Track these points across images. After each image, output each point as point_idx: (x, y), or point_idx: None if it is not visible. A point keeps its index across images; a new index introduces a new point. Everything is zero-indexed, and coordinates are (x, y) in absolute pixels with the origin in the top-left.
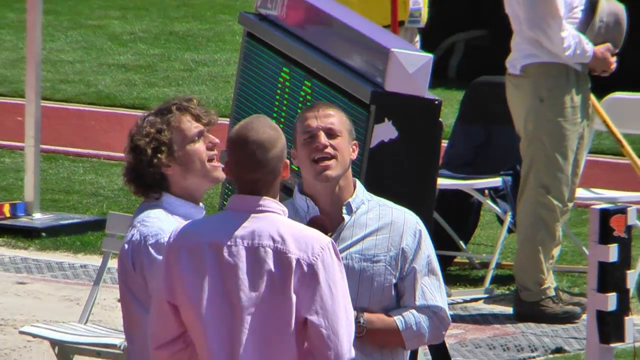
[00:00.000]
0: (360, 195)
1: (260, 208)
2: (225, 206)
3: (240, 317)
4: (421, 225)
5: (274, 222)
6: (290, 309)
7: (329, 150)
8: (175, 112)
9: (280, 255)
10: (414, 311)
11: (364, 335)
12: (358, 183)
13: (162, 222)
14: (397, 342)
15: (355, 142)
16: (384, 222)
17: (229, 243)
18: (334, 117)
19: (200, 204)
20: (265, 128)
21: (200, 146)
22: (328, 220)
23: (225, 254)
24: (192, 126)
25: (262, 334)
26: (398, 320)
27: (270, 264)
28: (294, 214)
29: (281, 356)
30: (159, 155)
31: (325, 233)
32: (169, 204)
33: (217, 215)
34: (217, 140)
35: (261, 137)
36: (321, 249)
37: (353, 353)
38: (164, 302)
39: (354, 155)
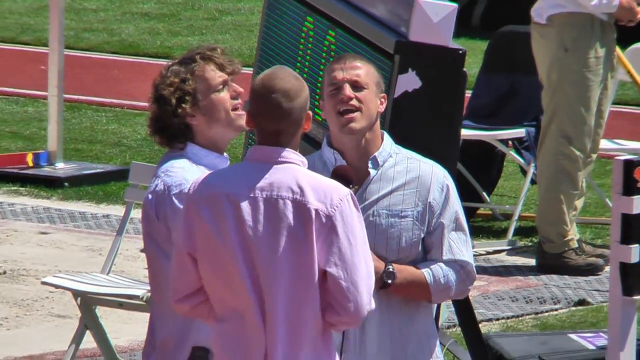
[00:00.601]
0: (388, 149)
1: (280, 159)
2: (246, 157)
3: (260, 269)
4: (449, 180)
5: (292, 173)
6: (312, 259)
7: (354, 102)
8: (199, 61)
9: (299, 207)
10: (442, 264)
11: (393, 286)
12: (386, 136)
13: (186, 172)
14: (424, 295)
15: (383, 94)
16: (412, 176)
17: (247, 194)
18: (361, 69)
19: (225, 153)
20: (289, 78)
21: (224, 95)
22: (352, 171)
23: (244, 206)
24: (216, 75)
25: (285, 285)
26: (426, 272)
27: (289, 215)
28: (322, 167)
29: (305, 307)
30: (184, 105)
31: (349, 184)
32: (194, 154)
33: (235, 166)
34: (241, 89)
35: (285, 87)
36: (340, 200)
37: (373, 304)
38: (185, 254)
39: (382, 108)
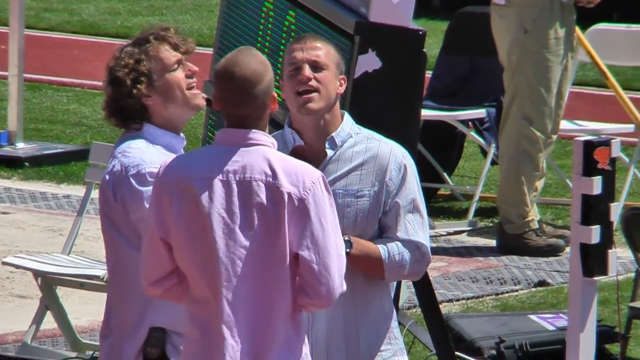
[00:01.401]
0: (347, 129)
1: (250, 141)
2: (214, 140)
3: (233, 252)
4: (408, 160)
5: (264, 155)
6: (284, 243)
7: (313, 83)
8: (153, 41)
9: (272, 189)
10: (398, 243)
11: (348, 256)
12: (346, 116)
13: (143, 153)
14: (378, 270)
15: (343, 76)
16: (370, 155)
17: (220, 178)
18: (321, 50)
19: (181, 134)
20: (252, 62)
21: (179, 74)
22: (310, 152)
23: (217, 189)
24: (170, 55)
25: (257, 268)
26: (382, 248)
27: (262, 197)
28: (283, 146)
29: (277, 291)
30: (139, 86)
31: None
32: (150, 134)
33: (205, 149)
34: (195, 68)
35: (248, 72)
36: (312, 183)
37: (344, 287)
38: (157, 239)
39: (341, 90)
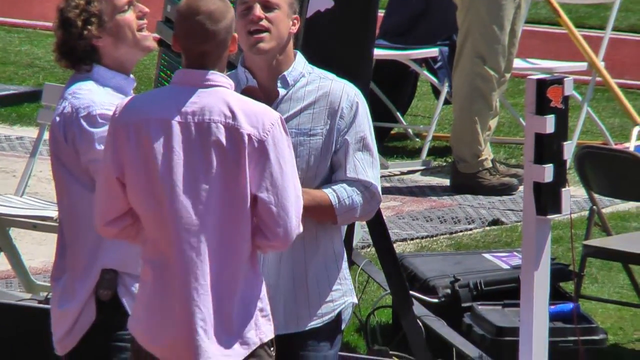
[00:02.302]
0: (299, 68)
1: (209, 82)
2: (171, 80)
3: (192, 194)
4: (360, 98)
5: (223, 96)
6: (244, 184)
7: (264, 23)
8: None
9: (232, 130)
10: (345, 185)
11: None
12: (298, 56)
13: (93, 94)
14: (329, 216)
15: (296, 16)
16: (322, 94)
17: (178, 119)
18: None
19: (131, 75)
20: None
21: (130, 16)
22: (260, 92)
23: (175, 130)
24: None
25: (218, 210)
26: (330, 194)
27: (222, 139)
28: (236, 85)
29: (238, 232)
30: (89, 27)
31: None
32: (100, 76)
33: (163, 89)
34: (146, 9)
35: (211, 8)
36: (271, 124)
37: (301, 229)
38: (112, 179)
39: (294, 29)
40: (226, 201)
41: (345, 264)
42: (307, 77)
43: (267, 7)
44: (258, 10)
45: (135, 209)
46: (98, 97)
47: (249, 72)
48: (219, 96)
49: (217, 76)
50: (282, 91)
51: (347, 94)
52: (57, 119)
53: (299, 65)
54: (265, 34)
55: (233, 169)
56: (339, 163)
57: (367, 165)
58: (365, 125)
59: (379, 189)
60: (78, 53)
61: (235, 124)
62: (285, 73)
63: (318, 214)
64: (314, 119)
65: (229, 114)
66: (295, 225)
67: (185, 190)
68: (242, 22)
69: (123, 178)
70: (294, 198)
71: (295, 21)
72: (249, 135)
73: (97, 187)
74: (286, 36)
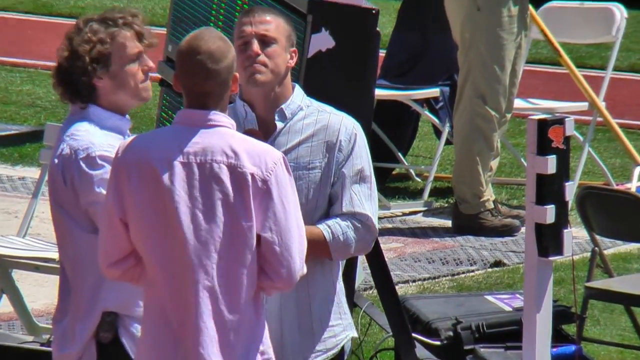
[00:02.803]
0: (297, 101)
1: (211, 122)
2: (174, 120)
3: (195, 235)
4: (358, 130)
5: (225, 136)
6: (250, 224)
7: (262, 58)
8: (120, 26)
9: (235, 171)
10: (339, 221)
11: None
12: (297, 88)
13: (92, 136)
14: (324, 252)
15: (294, 49)
16: (320, 127)
17: (180, 159)
18: (270, 24)
19: (127, 115)
20: (215, 39)
21: (136, 67)
22: (261, 135)
23: (177, 170)
24: (133, 45)
25: (222, 251)
26: (325, 231)
27: (225, 179)
28: (234, 118)
29: (241, 273)
30: (95, 66)
31: None
32: (96, 116)
33: (165, 129)
34: (152, 65)
35: (211, 48)
36: (274, 163)
37: (305, 269)
38: (115, 219)
39: (292, 63)
40: (230, 242)
41: (344, 298)
42: (305, 110)
43: (265, 42)
44: (255, 46)
45: (138, 250)
46: (97, 139)
47: (247, 105)
48: (221, 136)
49: (219, 116)
50: (279, 124)
51: (346, 126)
52: (56, 160)
53: (297, 98)
54: (262, 68)
55: (237, 209)
56: (336, 196)
57: (364, 198)
58: (363, 157)
59: (375, 222)
60: (77, 87)
61: (238, 164)
62: (283, 106)
63: (313, 251)
64: (312, 152)
65: (231, 153)
66: (299, 265)
67: (188, 231)
68: (240, 57)
69: (126, 218)
70: (297, 238)
71: (293, 54)
72: (252, 174)
73: (100, 228)
74: (284, 69)
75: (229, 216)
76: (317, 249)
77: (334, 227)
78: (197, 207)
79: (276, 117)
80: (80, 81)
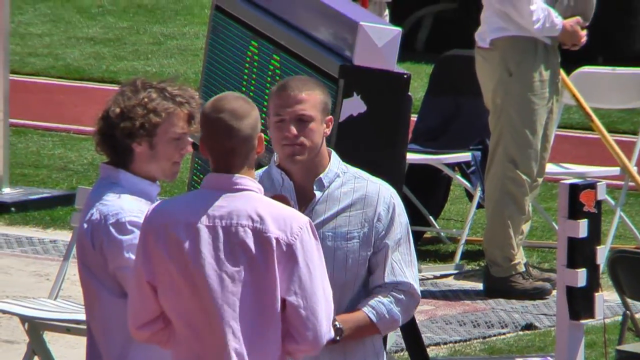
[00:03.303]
0: (334, 169)
1: (237, 187)
2: (201, 185)
3: (221, 299)
4: (395, 199)
5: (251, 200)
6: (274, 288)
7: (299, 140)
8: (178, 104)
9: (260, 235)
10: (381, 298)
11: (342, 340)
12: (333, 155)
13: (122, 201)
14: (373, 332)
15: (329, 117)
16: (358, 196)
17: (206, 223)
18: (306, 103)
19: (157, 182)
20: (238, 99)
21: (175, 148)
22: (290, 202)
23: (203, 235)
24: (181, 126)
25: (247, 315)
26: (370, 313)
27: (250, 243)
28: (270, 185)
29: (267, 337)
30: (141, 132)
31: None
32: (127, 181)
33: (192, 193)
34: (190, 150)
35: (233, 106)
36: (299, 228)
37: (332, 333)
38: (144, 282)
39: (328, 131)
40: (255, 305)
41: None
42: (342, 177)
43: (302, 121)
44: (292, 129)
45: (166, 313)
46: (127, 204)
47: (284, 173)
48: (247, 200)
49: (245, 180)
50: (317, 194)
51: (384, 196)
52: (85, 225)
53: (334, 166)
54: (300, 148)
55: (261, 273)
56: (376, 265)
57: (404, 265)
58: (402, 225)
59: (417, 288)
60: (118, 145)
61: (263, 228)
62: (321, 176)
63: (361, 334)
64: (350, 222)
65: (256, 218)
66: (326, 329)
67: (214, 295)
68: (277, 133)
69: (154, 282)
70: (323, 302)
71: (329, 122)
72: (277, 239)
73: (129, 290)
74: (321, 142)
75: (253, 280)
76: (366, 331)
77: (378, 308)
78: (223, 270)
79: (315, 187)
80: (122, 141)
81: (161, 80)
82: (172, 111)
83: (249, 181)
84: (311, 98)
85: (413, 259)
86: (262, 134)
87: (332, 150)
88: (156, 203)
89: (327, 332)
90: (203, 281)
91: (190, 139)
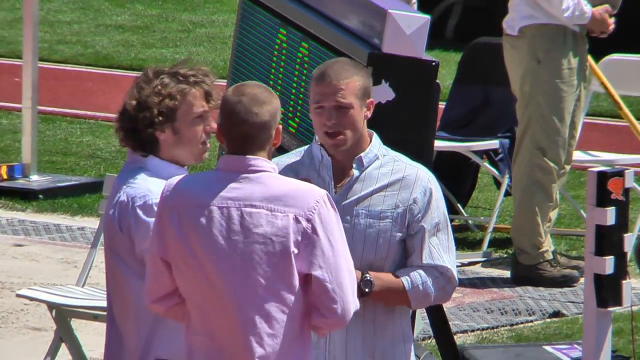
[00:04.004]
0: (375, 150)
1: (252, 168)
2: (216, 166)
3: (234, 279)
4: (433, 183)
5: (265, 181)
6: (290, 266)
7: (339, 129)
8: (191, 84)
9: (275, 215)
10: (420, 271)
11: (371, 294)
12: (375, 137)
13: (149, 184)
14: (403, 301)
15: (371, 100)
16: (395, 178)
17: (219, 204)
18: (344, 91)
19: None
20: (259, 87)
21: (199, 127)
22: (311, 181)
23: (216, 216)
24: (200, 104)
25: (262, 294)
26: (404, 280)
27: (263, 224)
28: (309, 161)
29: (284, 318)
30: (161, 119)
31: None
32: (154, 166)
33: (207, 174)
34: (214, 127)
35: (254, 92)
36: (316, 202)
37: (358, 304)
38: (157, 258)
39: (369, 114)
40: (270, 286)
41: (412, 348)
42: (381, 160)
43: (341, 108)
44: (332, 116)
45: (180, 290)
46: (154, 187)
47: (324, 150)
48: (262, 181)
49: (260, 161)
50: (356, 172)
51: (421, 178)
52: (112, 210)
53: (375, 148)
54: (340, 136)
55: (276, 253)
56: (413, 248)
57: (442, 250)
58: (440, 209)
59: (455, 273)
60: (141, 137)
61: (278, 208)
62: (362, 155)
63: (392, 299)
64: (385, 202)
65: (272, 198)
66: (352, 300)
67: (228, 275)
68: (318, 118)
69: (167, 258)
70: (347, 273)
71: (370, 105)
72: (294, 216)
73: (146, 265)
74: (361, 125)
75: (268, 261)
76: (397, 297)
77: (414, 277)
78: (237, 250)
79: (354, 166)
80: (144, 131)
81: (173, 64)
82: (187, 92)
83: (263, 162)
84: (349, 86)
85: (451, 245)
86: (280, 127)
87: (374, 133)
88: (172, 180)
89: (353, 302)
90: (215, 263)
91: (214, 124)
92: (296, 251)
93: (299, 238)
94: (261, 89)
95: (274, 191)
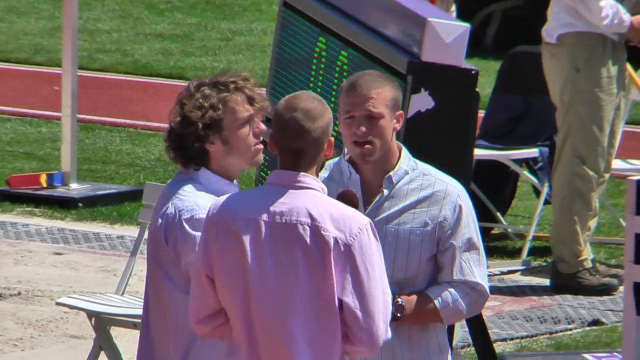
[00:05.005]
0: (404, 166)
1: (300, 184)
2: (266, 181)
3: (277, 295)
4: (463, 199)
5: (312, 199)
6: (331, 286)
7: (369, 139)
8: (232, 91)
9: (318, 233)
10: (451, 289)
11: (402, 318)
12: (404, 152)
13: (197, 198)
14: (435, 319)
15: (400, 112)
16: (424, 195)
17: (265, 218)
18: (374, 100)
19: (235, 180)
20: (313, 100)
21: (247, 130)
22: (357, 199)
23: (262, 230)
24: (244, 109)
25: (305, 312)
26: (435, 299)
27: (308, 241)
28: (339, 176)
29: (326, 333)
30: (208, 131)
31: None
32: (205, 180)
33: (256, 189)
34: (263, 127)
35: (309, 106)
36: (359, 229)
37: (389, 334)
38: (203, 276)
39: (398, 126)
40: (312, 303)
41: (449, 357)
42: (410, 174)
43: (371, 118)
44: (362, 126)
45: (224, 306)
46: (202, 201)
47: (352, 167)
48: (308, 198)
49: (308, 178)
50: (385, 191)
51: (450, 195)
52: (159, 220)
53: (404, 163)
54: (369, 146)
55: (318, 271)
56: (444, 265)
57: (473, 265)
58: (470, 225)
59: (487, 286)
60: (190, 152)
61: (322, 227)
62: (391, 174)
63: (425, 319)
64: (414, 219)
65: (316, 216)
66: (383, 330)
67: (272, 291)
68: (347, 129)
69: (212, 275)
70: (381, 303)
71: (400, 117)
72: (335, 238)
73: (191, 284)
74: (390, 137)
75: (311, 278)
76: (428, 316)
77: (445, 295)
78: (281, 266)
79: (384, 185)
80: (192, 146)
81: (214, 75)
82: (229, 99)
83: (312, 179)
84: (380, 96)
85: (482, 258)
86: (332, 138)
87: (403, 146)
88: (220, 198)
89: (383, 333)
90: (260, 278)
91: (262, 125)
92: (334, 273)
93: (337, 261)
94: (314, 103)
95: (320, 210)
